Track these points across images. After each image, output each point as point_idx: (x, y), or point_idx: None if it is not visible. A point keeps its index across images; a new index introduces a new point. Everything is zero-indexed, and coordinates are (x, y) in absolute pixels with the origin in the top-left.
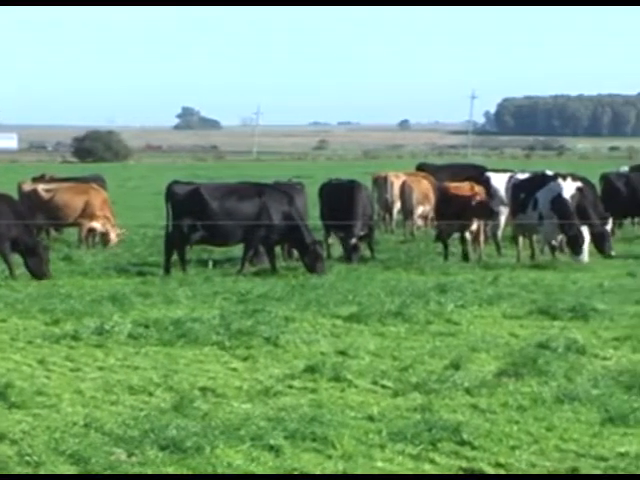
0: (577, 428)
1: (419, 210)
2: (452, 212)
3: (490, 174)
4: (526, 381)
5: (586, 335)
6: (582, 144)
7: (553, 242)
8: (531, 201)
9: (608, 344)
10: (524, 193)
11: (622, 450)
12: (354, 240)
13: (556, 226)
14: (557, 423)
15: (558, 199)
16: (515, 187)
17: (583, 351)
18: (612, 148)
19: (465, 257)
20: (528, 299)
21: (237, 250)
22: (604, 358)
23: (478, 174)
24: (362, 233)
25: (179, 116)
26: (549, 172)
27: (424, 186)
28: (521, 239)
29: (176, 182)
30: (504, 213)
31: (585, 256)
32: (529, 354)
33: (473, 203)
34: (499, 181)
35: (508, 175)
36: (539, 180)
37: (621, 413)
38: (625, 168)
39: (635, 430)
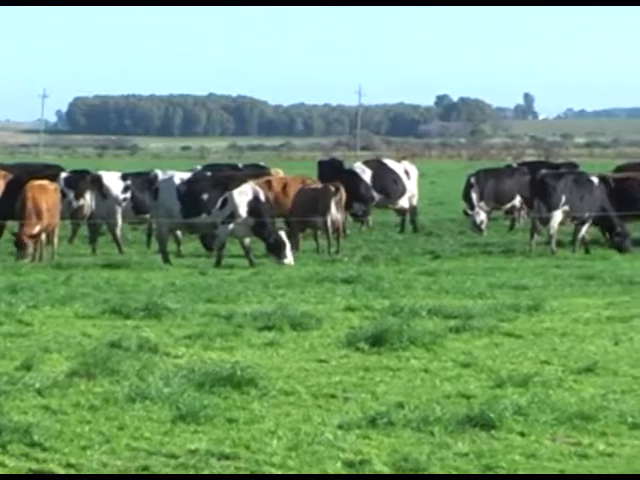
0: (148, 426)
1: None
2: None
3: (102, 173)
4: (98, 381)
5: (159, 334)
6: (155, 143)
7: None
8: (219, 201)
9: (180, 342)
10: (207, 193)
11: (192, 447)
12: None
13: (249, 228)
14: (129, 422)
15: (255, 202)
16: (189, 185)
17: (155, 350)
18: (184, 148)
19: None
20: (101, 298)
21: None
22: (176, 356)
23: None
24: None
25: None
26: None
27: None
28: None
29: None
30: (118, 212)
31: (290, 258)
32: (101, 354)
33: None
34: (111, 180)
35: (120, 174)
36: (221, 180)
37: (192, 410)
38: (198, 167)
39: (205, 427)
